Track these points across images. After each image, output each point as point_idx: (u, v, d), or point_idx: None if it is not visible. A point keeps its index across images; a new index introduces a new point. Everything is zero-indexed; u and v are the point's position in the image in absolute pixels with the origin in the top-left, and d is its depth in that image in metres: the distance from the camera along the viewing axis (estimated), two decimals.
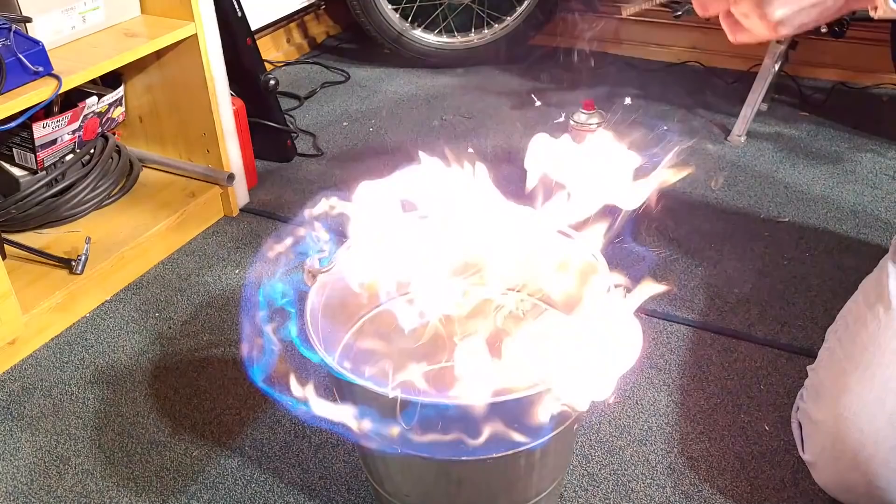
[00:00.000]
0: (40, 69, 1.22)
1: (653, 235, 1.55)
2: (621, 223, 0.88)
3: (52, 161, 1.48)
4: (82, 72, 1.29)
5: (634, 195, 0.86)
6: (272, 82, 1.79)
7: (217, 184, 1.64)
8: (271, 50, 2.37)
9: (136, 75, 1.59)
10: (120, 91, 1.57)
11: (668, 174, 0.86)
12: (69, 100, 1.46)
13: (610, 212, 0.88)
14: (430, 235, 0.93)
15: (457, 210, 0.91)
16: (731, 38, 0.78)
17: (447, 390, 0.87)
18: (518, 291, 0.96)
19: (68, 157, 1.51)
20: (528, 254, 0.93)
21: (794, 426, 1.05)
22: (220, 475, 1.10)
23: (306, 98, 2.17)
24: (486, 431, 0.83)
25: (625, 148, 0.86)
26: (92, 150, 1.56)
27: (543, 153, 0.87)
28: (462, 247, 0.93)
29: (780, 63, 1.92)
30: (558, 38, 2.41)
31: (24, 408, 1.22)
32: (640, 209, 0.87)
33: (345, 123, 2.05)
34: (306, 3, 2.44)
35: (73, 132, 1.48)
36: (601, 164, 0.86)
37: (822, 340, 1.06)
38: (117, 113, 1.59)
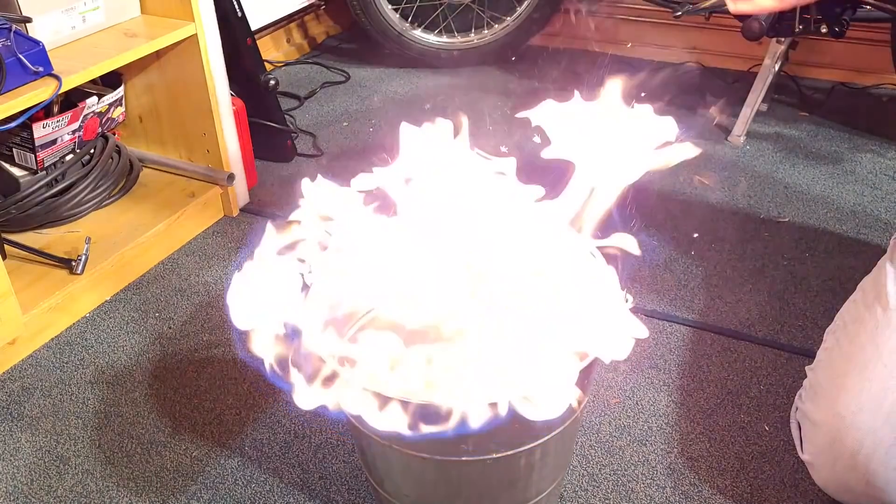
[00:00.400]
0: (40, 69, 1.23)
1: (652, 234, 1.55)
2: (618, 202, 0.88)
3: (52, 161, 1.48)
4: (82, 72, 1.29)
5: (630, 169, 0.85)
6: (272, 82, 1.79)
7: (217, 184, 1.64)
8: (271, 50, 2.37)
9: (136, 75, 1.59)
10: (120, 91, 1.57)
11: (670, 155, 0.85)
12: (69, 100, 1.46)
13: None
14: (428, 228, 0.93)
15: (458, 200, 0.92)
16: (730, 6, 0.77)
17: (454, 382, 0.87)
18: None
19: (68, 157, 1.51)
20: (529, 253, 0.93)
21: (793, 426, 1.05)
22: (220, 475, 1.10)
23: (306, 98, 2.17)
24: (488, 431, 0.83)
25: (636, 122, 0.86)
26: (92, 150, 1.56)
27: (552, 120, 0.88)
28: (461, 242, 0.93)
29: (779, 63, 1.92)
30: (558, 39, 2.41)
31: (24, 408, 1.22)
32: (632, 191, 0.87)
33: (345, 123, 2.05)
34: (306, 4, 2.44)
35: (73, 132, 1.49)
36: (606, 135, 0.86)
37: (822, 340, 1.06)
38: (117, 113, 1.59)
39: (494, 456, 0.85)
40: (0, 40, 1.19)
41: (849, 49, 2.06)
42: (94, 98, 1.49)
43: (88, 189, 1.53)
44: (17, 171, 1.47)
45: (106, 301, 1.44)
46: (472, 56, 2.30)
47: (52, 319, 1.35)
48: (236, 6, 1.70)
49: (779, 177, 1.75)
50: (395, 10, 2.24)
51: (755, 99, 1.87)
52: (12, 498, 1.08)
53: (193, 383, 1.26)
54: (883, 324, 0.93)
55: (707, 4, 1.82)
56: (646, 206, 1.65)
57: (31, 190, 1.46)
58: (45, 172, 1.48)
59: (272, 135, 1.84)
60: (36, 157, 1.44)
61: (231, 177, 1.62)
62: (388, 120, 2.05)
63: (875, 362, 0.92)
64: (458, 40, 2.29)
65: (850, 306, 1.02)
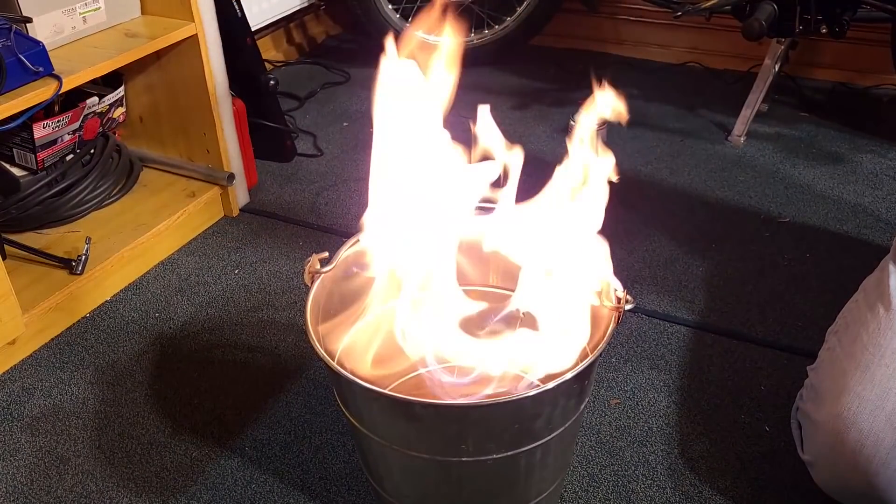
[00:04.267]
0: (41, 69, 1.22)
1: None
2: None
3: (53, 161, 1.48)
4: (83, 72, 1.29)
5: None
6: (272, 82, 1.79)
7: (217, 184, 1.64)
8: (271, 50, 2.37)
9: (136, 75, 1.59)
10: (120, 91, 1.57)
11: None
12: (69, 100, 1.46)
13: None
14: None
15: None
16: None
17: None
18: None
19: (69, 158, 1.51)
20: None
21: (794, 426, 1.05)
22: (221, 476, 1.10)
23: (306, 98, 2.17)
24: (487, 431, 0.83)
25: None
26: (92, 150, 1.56)
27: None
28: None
29: (780, 63, 1.92)
30: (558, 39, 2.41)
31: (24, 408, 1.22)
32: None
33: (345, 123, 2.05)
34: (306, 4, 2.44)
35: (74, 132, 1.48)
36: None
37: (823, 341, 1.06)
38: (118, 113, 1.59)
39: (495, 456, 0.84)
40: (0, 40, 1.19)
41: (849, 49, 2.06)
42: (95, 98, 1.49)
43: (89, 189, 1.53)
44: (17, 172, 1.47)
45: (106, 301, 1.44)
46: (472, 56, 2.30)
47: (53, 319, 1.35)
48: (236, 6, 1.70)
49: (779, 177, 1.75)
50: (396, 10, 2.24)
51: (755, 99, 1.87)
52: (12, 498, 1.08)
53: (194, 384, 1.26)
54: (885, 324, 0.93)
55: (708, 5, 1.82)
56: (646, 206, 1.66)
57: (31, 190, 1.46)
58: (45, 172, 1.48)
59: (272, 135, 1.84)
60: (36, 157, 1.44)
61: (231, 177, 1.62)
62: None
63: (877, 363, 0.92)
64: None
65: (852, 306, 1.02)
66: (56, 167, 1.49)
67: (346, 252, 0.96)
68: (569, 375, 0.81)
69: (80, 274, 1.39)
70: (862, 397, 0.90)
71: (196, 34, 1.47)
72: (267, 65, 2.07)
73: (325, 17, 2.58)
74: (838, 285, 1.41)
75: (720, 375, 1.23)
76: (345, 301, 0.97)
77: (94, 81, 1.45)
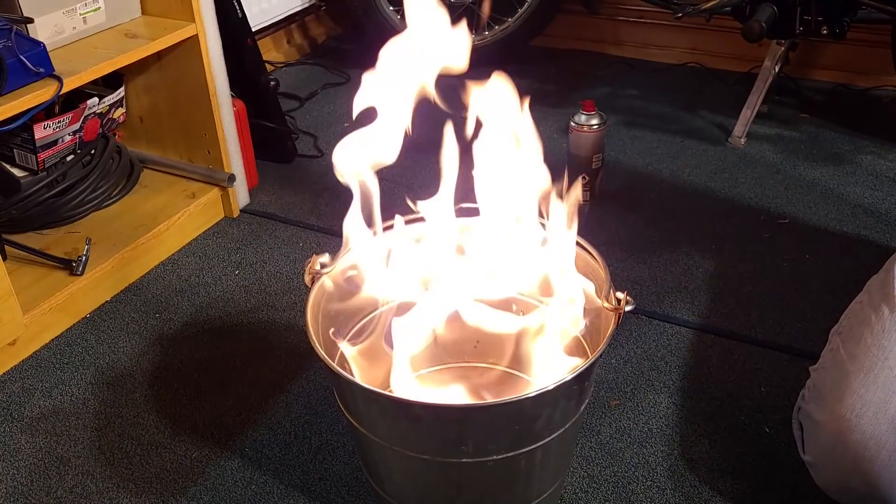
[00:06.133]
0: (41, 70, 1.23)
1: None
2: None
3: (53, 162, 1.48)
4: (83, 73, 1.29)
5: None
6: (273, 83, 1.79)
7: (218, 185, 1.64)
8: (272, 51, 2.37)
9: (136, 76, 1.59)
10: (121, 92, 1.57)
11: None
12: (70, 100, 1.46)
13: None
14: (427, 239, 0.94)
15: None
16: None
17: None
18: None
19: (69, 158, 1.52)
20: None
21: (795, 427, 1.04)
22: (221, 477, 1.10)
23: (307, 99, 2.17)
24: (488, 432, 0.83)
25: None
26: (93, 151, 1.56)
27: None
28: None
29: (780, 64, 1.92)
30: (559, 40, 2.41)
31: (25, 409, 1.22)
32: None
33: (345, 124, 2.05)
34: (307, 4, 2.44)
35: (74, 133, 1.49)
36: None
37: (823, 342, 1.06)
38: (118, 114, 1.59)
39: (495, 458, 0.84)
40: (1, 41, 1.19)
41: (849, 50, 2.06)
42: (95, 99, 1.49)
43: (89, 190, 1.53)
44: (17, 172, 1.47)
45: (106, 302, 1.44)
46: (472, 56, 2.30)
47: (53, 320, 1.35)
48: (237, 7, 1.71)
49: (779, 178, 1.75)
50: (396, 10, 2.24)
51: (755, 100, 1.87)
52: (12, 499, 1.08)
53: (194, 384, 1.26)
54: (889, 326, 0.93)
55: (708, 6, 1.82)
56: (646, 207, 1.66)
57: (31, 191, 1.46)
58: (45, 173, 1.48)
59: (273, 136, 1.84)
60: (37, 157, 1.44)
61: (232, 178, 1.62)
62: None
63: (881, 365, 0.91)
64: None
65: (857, 307, 1.01)
66: (56, 168, 1.49)
67: (346, 253, 0.96)
68: (569, 376, 0.81)
69: (80, 274, 1.39)
70: (865, 399, 0.90)
71: (196, 35, 1.47)
72: (267, 65, 2.07)
73: (326, 18, 2.58)
74: (838, 286, 1.41)
75: (720, 376, 1.23)
76: (345, 302, 0.97)
77: (94, 82, 1.45)
